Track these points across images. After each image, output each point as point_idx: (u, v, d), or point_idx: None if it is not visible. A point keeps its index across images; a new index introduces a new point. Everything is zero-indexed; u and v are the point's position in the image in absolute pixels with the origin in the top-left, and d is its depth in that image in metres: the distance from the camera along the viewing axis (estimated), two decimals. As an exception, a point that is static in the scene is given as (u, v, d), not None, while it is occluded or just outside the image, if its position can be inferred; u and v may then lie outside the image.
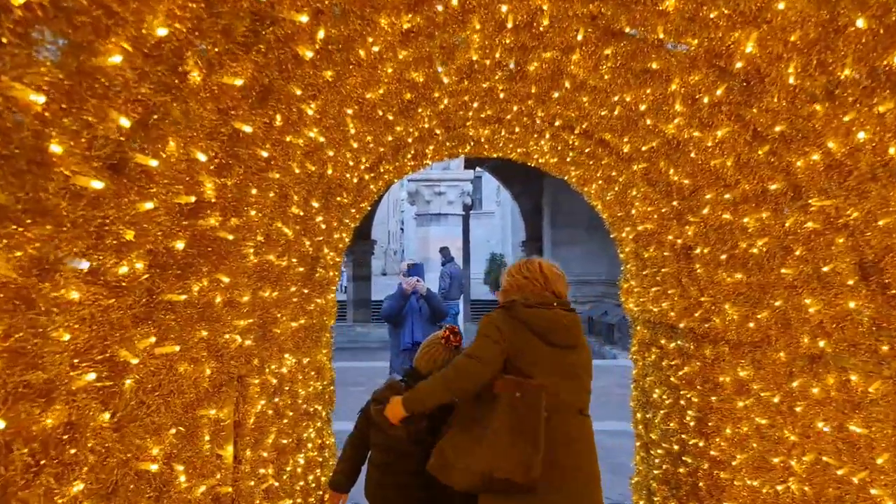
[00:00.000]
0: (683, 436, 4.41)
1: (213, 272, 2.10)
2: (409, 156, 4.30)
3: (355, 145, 3.22)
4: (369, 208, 5.07)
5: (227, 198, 2.00)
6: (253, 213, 2.39)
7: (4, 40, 0.97)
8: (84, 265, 1.26)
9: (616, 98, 3.17)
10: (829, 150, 2.41)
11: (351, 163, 3.46)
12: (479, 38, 2.64)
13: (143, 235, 1.52)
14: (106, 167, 1.28)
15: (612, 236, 5.38)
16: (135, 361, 1.55)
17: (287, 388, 3.60)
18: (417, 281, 6.93)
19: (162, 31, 1.25)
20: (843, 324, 2.68)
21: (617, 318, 16.53)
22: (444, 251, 15.20)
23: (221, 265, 2.17)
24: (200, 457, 2.24)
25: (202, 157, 1.65)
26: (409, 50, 2.46)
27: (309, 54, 1.85)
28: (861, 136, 2.21)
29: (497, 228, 33.61)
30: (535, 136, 4.40)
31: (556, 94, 3.38)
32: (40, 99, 1.01)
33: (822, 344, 2.82)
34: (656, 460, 4.95)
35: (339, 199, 3.81)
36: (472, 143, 4.74)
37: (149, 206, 1.49)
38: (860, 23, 1.88)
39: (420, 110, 3.38)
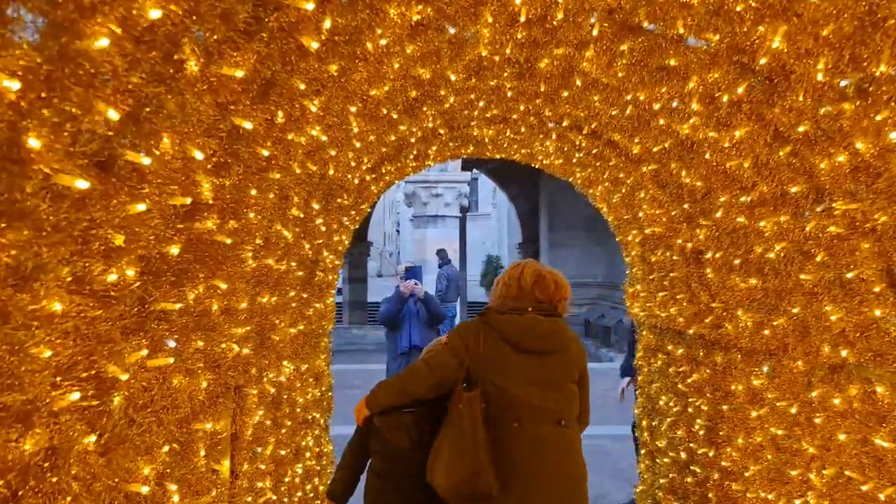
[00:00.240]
0: (692, 444, 4.30)
1: (209, 278, 1.97)
2: (412, 156, 4.18)
3: (358, 145, 3.09)
4: (369, 210, 4.95)
5: (225, 199, 1.87)
6: (252, 215, 2.27)
7: (-26, 19, 0.85)
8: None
9: (629, 97, 3.05)
10: (857, 150, 2.29)
11: (353, 163, 3.33)
12: (490, 33, 2.52)
13: (134, 240, 1.40)
14: (92, 165, 1.15)
15: (617, 239, 5.27)
16: (124, 377, 1.42)
17: (285, 397, 3.47)
18: (415, 284, 6.81)
19: (155, 14, 1.12)
20: (868, 333, 2.57)
21: (614, 320, 16.42)
22: (441, 253, 15.11)
23: (219, 271, 2.04)
24: (195, 473, 2.11)
25: (199, 156, 1.52)
26: (418, 44, 2.33)
27: (314, 45, 1.73)
28: (893, 136, 2.10)
29: (493, 230, 33.50)
30: (541, 136, 4.28)
31: (565, 93, 3.26)
32: (15, 86, 0.89)
33: (844, 353, 2.70)
34: (663, 469, 4.84)
35: (339, 200, 3.69)
36: (475, 144, 4.62)
37: (140, 207, 1.37)
38: (901, 15, 1.77)
39: (425, 109, 3.26)
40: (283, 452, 3.32)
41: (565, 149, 4.42)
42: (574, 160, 4.57)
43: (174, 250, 1.63)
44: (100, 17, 0.99)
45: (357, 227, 4.87)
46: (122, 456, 1.45)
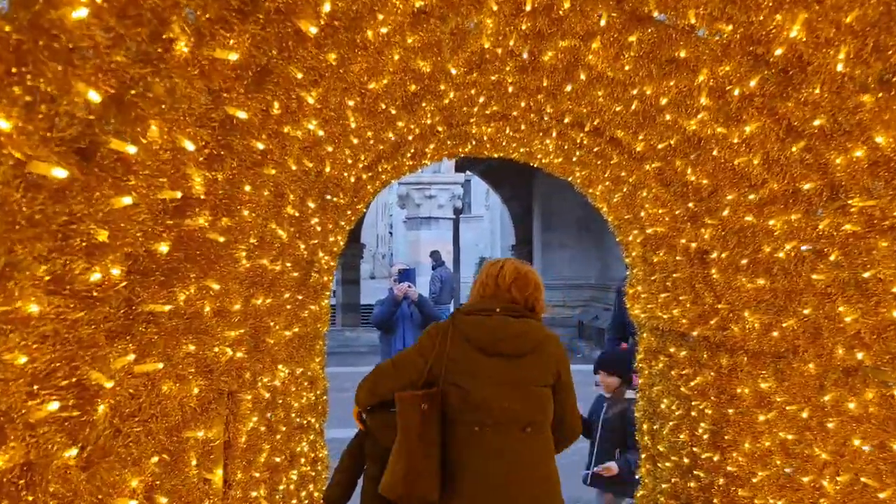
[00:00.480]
0: (695, 449, 4.21)
1: (201, 278, 1.87)
2: (409, 155, 4.08)
3: (355, 141, 2.99)
4: (364, 210, 4.85)
5: (217, 195, 1.76)
6: (246, 212, 2.16)
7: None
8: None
9: (635, 91, 2.96)
10: (877, 145, 2.20)
11: (349, 160, 3.23)
12: (494, 23, 2.42)
13: (119, 236, 1.29)
14: (72, 152, 1.05)
15: (617, 240, 5.17)
16: (109, 385, 1.32)
17: (280, 402, 3.36)
18: (409, 287, 6.71)
19: (141, -15, 1.02)
20: (886, 334, 2.48)
21: (607, 322, 16.34)
22: (435, 255, 15.05)
23: (211, 270, 1.93)
24: (186, 484, 2.00)
25: (190, 146, 1.42)
26: (419, 34, 2.23)
27: (313, 30, 1.62)
28: (917, 129, 2.01)
29: (486, 232, 33.45)
30: (541, 134, 4.19)
31: (568, 88, 3.16)
32: (-20, 57, 0.78)
33: (859, 356, 2.61)
34: (664, 473, 4.75)
35: (335, 199, 3.58)
36: (473, 142, 4.53)
37: (126, 201, 1.26)
38: (931, 0, 1.68)
39: (424, 104, 3.16)
40: (277, 459, 3.21)
41: (565, 147, 4.33)
42: (574, 159, 4.48)
43: (163, 248, 1.52)
44: (77, -17, 0.88)
45: (352, 227, 4.77)
46: (107, 469, 1.34)
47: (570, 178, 5.05)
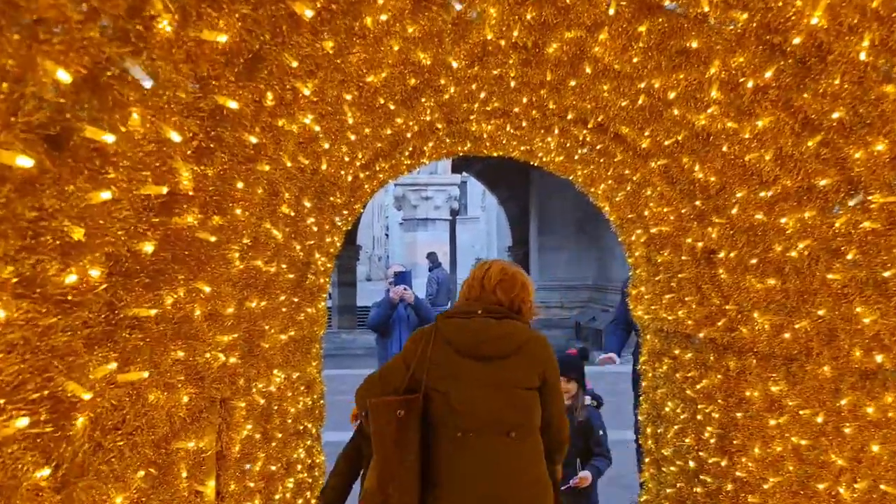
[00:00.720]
0: (701, 453, 4.11)
1: (191, 280, 1.75)
2: (407, 153, 3.97)
3: (353, 138, 2.88)
4: (361, 210, 4.74)
5: (207, 191, 1.65)
6: (239, 211, 2.05)
7: None
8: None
9: (642, 85, 2.85)
10: (900, 138, 2.11)
11: (347, 158, 3.12)
12: (498, 13, 2.32)
13: (97, 234, 1.18)
14: (40, 140, 0.94)
15: (619, 240, 5.07)
16: (87, 396, 1.20)
17: (276, 408, 3.24)
18: (405, 290, 6.59)
19: (117, -46, 0.91)
20: (907, 336, 2.39)
21: (604, 323, 16.24)
22: (432, 256, 14.95)
23: (201, 272, 1.82)
24: (177, 498, 1.89)
25: (176, 137, 1.31)
26: (420, 23, 2.13)
27: (308, 14, 1.51)
28: (944, 121, 1.91)
29: (482, 234, 33.34)
30: (542, 131, 4.09)
31: (573, 83, 3.06)
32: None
33: (879, 359, 2.51)
34: (669, 478, 4.64)
35: (332, 198, 3.47)
36: (473, 140, 4.42)
37: (105, 196, 1.15)
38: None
39: (423, 100, 3.05)
40: (273, 468, 3.10)
41: (567, 145, 4.22)
42: (576, 157, 4.38)
43: (148, 248, 1.41)
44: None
45: (349, 229, 4.66)
46: (85, 489, 1.22)
47: (571, 177, 4.95)
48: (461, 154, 4.81)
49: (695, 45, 2.40)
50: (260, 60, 1.55)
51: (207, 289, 1.86)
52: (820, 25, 2.02)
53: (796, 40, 2.15)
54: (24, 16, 0.80)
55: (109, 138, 1.06)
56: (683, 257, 4.03)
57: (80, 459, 1.21)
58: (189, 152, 1.45)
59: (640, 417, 5.23)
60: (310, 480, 4.27)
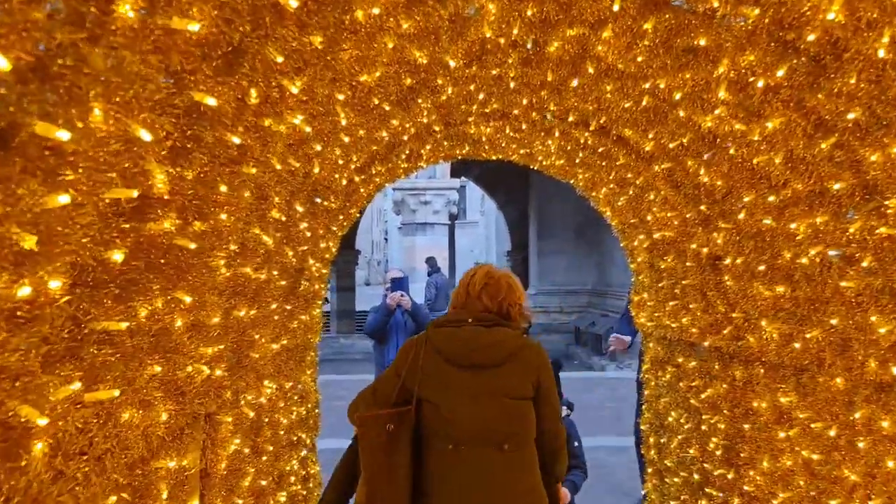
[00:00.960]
0: (706, 465, 3.99)
1: (169, 290, 1.64)
2: (404, 156, 3.86)
3: (346, 140, 2.77)
4: (358, 215, 4.62)
5: (185, 195, 1.54)
6: (224, 216, 1.94)
7: None
8: None
9: (647, 85, 2.75)
10: (920, 139, 2.00)
11: (340, 161, 3.01)
12: (497, 9, 2.21)
13: (56, 242, 1.07)
14: (-21, 136, 0.83)
15: (621, 245, 4.96)
16: (44, 422, 1.09)
17: (267, 420, 3.13)
18: (402, 296, 6.48)
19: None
20: (926, 347, 2.28)
21: (604, 328, 16.13)
22: (431, 261, 14.86)
23: (181, 281, 1.71)
24: (156, 521, 1.78)
25: (146, 136, 1.20)
26: (415, 18, 2.02)
27: (293, 3, 1.41)
28: (969, 121, 1.81)
29: (481, 238, 33.23)
30: (543, 134, 3.98)
31: (574, 83, 2.95)
32: None
33: (895, 370, 2.41)
34: (672, 490, 4.53)
35: (326, 203, 3.36)
36: (471, 144, 4.31)
37: (63, 200, 1.04)
38: None
39: (420, 101, 2.94)
40: (263, 483, 2.98)
41: (568, 148, 4.12)
42: (577, 160, 4.27)
43: (117, 256, 1.30)
44: None
45: (345, 233, 4.55)
46: (42, 523, 1.11)
47: (571, 181, 4.84)
48: (459, 157, 4.70)
49: (703, 42, 2.30)
50: (241, 54, 1.44)
51: (188, 299, 1.75)
52: (836, 21, 1.91)
53: (811, 37, 2.05)
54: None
55: (64, 135, 0.96)
56: (688, 263, 3.93)
57: (35, 490, 1.10)
58: (163, 153, 1.34)
59: (642, 427, 5.11)
60: (304, 493, 4.15)
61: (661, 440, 4.74)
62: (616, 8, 2.23)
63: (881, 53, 1.89)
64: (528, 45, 2.55)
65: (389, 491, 2.51)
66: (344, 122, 2.56)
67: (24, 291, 1.02)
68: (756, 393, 3.38)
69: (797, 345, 2.97)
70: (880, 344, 2.45)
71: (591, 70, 2.76)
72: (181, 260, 1.66)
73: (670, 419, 4.55)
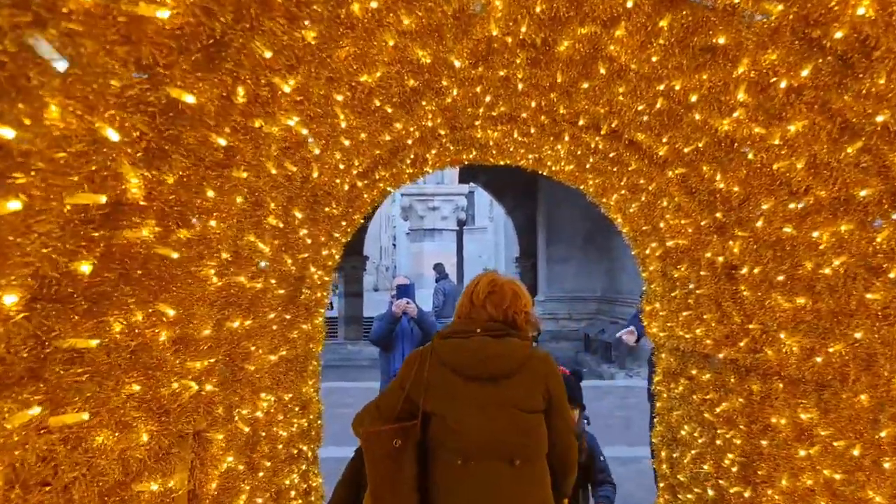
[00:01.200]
0: (721, 481, 3.85)
1: (149, 303, 1.53)
2: (409, 161, 3.75)
3: (347, 143, 2.66)
4: (362, 221, 4.50)
5: (166, 200, 1.43)
6: (213, 223, 1.82)
7: None
8: None
9: (661, 87, 2.62)
10: (956, 143, 1.87)
11: (341, 165, 2.89)
12: (504, 5, 2.10)
13: (9, 253, 0.95)
14: None
15: (633, 253, 4.82)
16: (-8, 454, 0.98)
17: (264, 435, 3.01)
18: (407, 303, 6.35)
19: None
20: (959, 364, 2.14)
21: (614, 335, 15.95)
22: (439, 267, 14.73)
23: (164, 293, 1.59)
24: (137, 548, 1.66)
25: (114, 136, 1.08)
26: (416, 14, 1.90)
27: (280, -8, 1.30)
28: None
29: (490, 244, 33.13)
30: (552, 139, 3.86)
31: (585, 85, 2.83)
32: None
33: (926, 388, 2.27)
34: (685, 506, 4.38)
35: (327, 209, 3.25)
36: (478, 148, 4.19)
37: (13, 206, 0.92)
38: None
39: (424, 103, 2.83)
40: (259, 500, 2.86)
41: (578, 153, 3.99)
42: (587, 165, 4.15)
43: (84, 268, 1.18)
44: None
45: (349, 239, 4.43)
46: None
47: (581, 187, 4.71)
48: (466, 162, 4.58)
49: (722, 41, 2.17)
50: (223, 47, 1.32)
51: (172, 311, 1.63)
52: (866, 17, 1.79)
53: (838, 34, 1.92)
54: None
55: (8, 133, 0.84)
56: (702, 272, 3.79)
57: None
58: (138, 154, 1.23)
59: (653, 440, 4.97)
60: (305, 507, 4.03)
61: (674, 454, 4.59)
62: (630, 4, 2.11)
63: (915, 50, 1.77)
64: (537, 45, 2.43)
65: (379, 497, 2.44)
66: (344, 125, 2.45)
67: (-31, 309, 0.91)
68: (775, 408, 3.24)
69: (819, 359, 2.83)
70: (909, 360, 2.32)
71: (602, 71, 2.64)
72: (163, 270, 1.55)
73: (683, 433, 4.41)
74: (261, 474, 2.93)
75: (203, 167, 1.54)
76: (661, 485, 4.81)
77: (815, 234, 2.66)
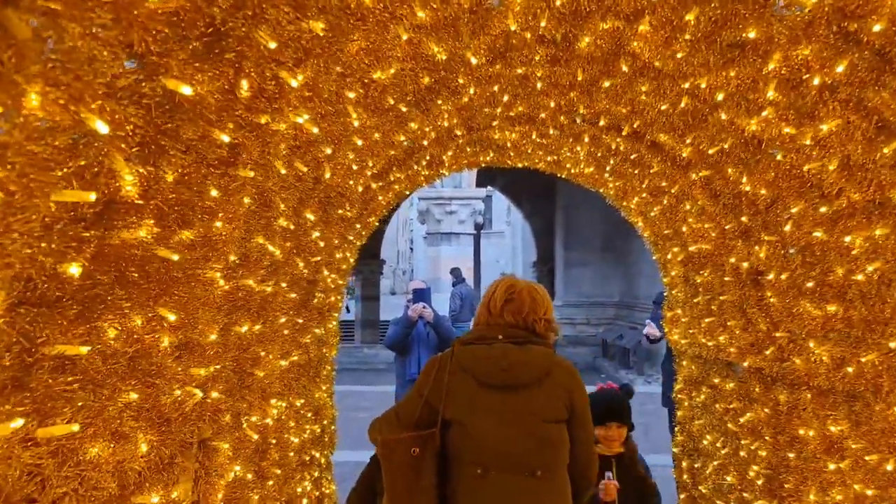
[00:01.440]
0: (746, 494, 3.72)
1: (147, 306, 1.45)
2: (424, 162, 3.67)
3: (360, 143, 2.58)
4: (377, 224, 4.42)
5: (165, 199, 1.35)
6: (218, 224, 1.75)
7: None
8: None
9: (686, 85, 2.52)
10: None
11: (354, 166, 2.82)
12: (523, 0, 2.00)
13: (-15, 254, 0.88)
14: None
15: (654, 258, 4.71)
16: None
17: (274, 442, 2.94)
18: (423, 307, 6.26)
19: None
20: None
21: (633, 341, 15.77)
22: (455, 272, 14.65)
23: (165, 296, 1.52)
24: (135, 564, 1.58)
25: (102, 128, 1.01)
26: (431, 7, 1.82)
27: (284, -22, 1.22)
28: None
29: (507, 248, 32.96)
30: (571, 140, 3.76)
31: (606, 84, 2.74)
32: None
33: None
34: (707, 518, 4.26)
35: (340, 211, 3.17)
36: (495, 150, 4.10)
37: (-12, 203, 0.85)
38: None
39: (440, 102, 2.74)
40: (269, 510, 2.78)
41: (598, 154, 3.89)
42: (608, 168, 4.04)
43: (74, 270, 1.11)
44: None
45: (364, 242, 4.36)
46: None
47: (601, 190, 4.61)
48: (483, 164, 4.49)
49: (752, 35, 2.07)
50: (223, 37, 1.25)
51: (173, 316, 1.56)
52: (909, 6, 1.68)
53: (876, 27, 1.81)
54: None
55: (-23, 123, 0.77)
56: (726, 278, 3.67)
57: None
58: (132, 149, 1.16)
59: (673, 449, 4.84)
60: (317, 515, 3.95)
61: (696, 464, 4.47)
62: (654, -3, 2.01)
63: (962, 43, 1.66)
64: (557, 41, 2.34)
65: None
66: (356, 124, 2.37)
67: (-60, 314, 0.84)
68: (802, 420, 3.12)
69: (850, 369, 2.71)
70: (949, 372, 2.20)
71: (624, 69, 2.54)
72: (163, 273, 1.47)
73: (705, 443, 4.29)
74: (270, 483, 2.85)
75: (205, 165, 1.46)
76: (682, 496, 4.68)
77: (848, 238, 2.55)
